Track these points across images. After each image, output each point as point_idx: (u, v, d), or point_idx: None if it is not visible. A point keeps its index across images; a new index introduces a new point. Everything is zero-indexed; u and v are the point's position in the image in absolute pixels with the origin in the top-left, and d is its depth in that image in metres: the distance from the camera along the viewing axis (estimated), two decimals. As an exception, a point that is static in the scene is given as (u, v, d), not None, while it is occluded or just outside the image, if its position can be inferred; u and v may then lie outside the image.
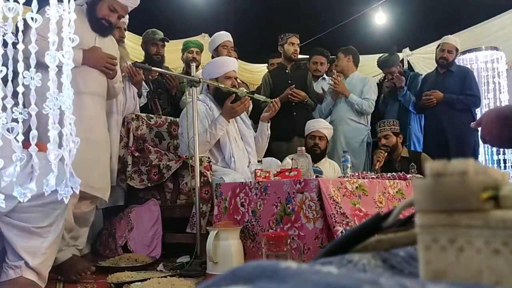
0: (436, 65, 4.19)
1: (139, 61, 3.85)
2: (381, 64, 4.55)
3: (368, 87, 4.05)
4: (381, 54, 4.67)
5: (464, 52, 4.51)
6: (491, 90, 4.59)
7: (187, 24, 6.04)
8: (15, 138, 1.25)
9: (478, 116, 4.16)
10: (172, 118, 3.44)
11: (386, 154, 3.48)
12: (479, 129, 1.27)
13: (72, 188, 1.45)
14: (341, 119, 4.01)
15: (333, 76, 4.07)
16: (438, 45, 4.15)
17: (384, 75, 4.67)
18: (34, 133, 1.30)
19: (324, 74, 4.59)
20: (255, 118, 3.69)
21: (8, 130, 1.23)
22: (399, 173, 2.67)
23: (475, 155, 4.01)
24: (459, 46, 4.14)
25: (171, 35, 4.00)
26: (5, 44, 1.24)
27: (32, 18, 1.26)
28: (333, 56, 4.63)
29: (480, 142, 4.47)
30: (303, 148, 2.88)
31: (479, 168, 0.36)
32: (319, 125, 3.59)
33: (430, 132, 4.08)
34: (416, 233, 0.38)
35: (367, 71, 6.18)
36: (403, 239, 0.46)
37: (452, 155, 3.64)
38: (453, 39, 4.12)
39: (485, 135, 1.23)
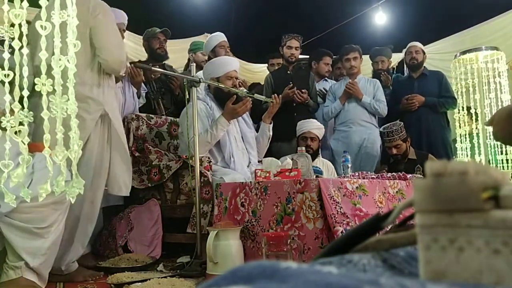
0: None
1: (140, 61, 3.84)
2: (374, 51, 4.61)
3: (380, 91, 4.09)
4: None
5: (464, 52, 4.51)
6: (492, 90, 4.58)
7: (188, 24, 6.04)
8: (21, 140, 1.26)
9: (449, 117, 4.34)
10: (172, 118, 3.44)
11: (387, 169, 3.48)
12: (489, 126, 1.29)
13: (77, 189, 1.46)
14: (354, 120, 4.01)
15: (350, 81, 4.05)
16: (405, 52, 4.34)
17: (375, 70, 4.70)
18: (47, 136, 1.31)
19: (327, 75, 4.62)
20: (254, 117, 3.69)
21: (15, 132, 1.25)
22: (399, 173, 2.67)
23: (450, 155, 4.09)
24: (425, 50, 4.34)
25: (173, 35, 4.00)
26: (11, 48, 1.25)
27: (41, 26, 1.27)
28: (335, 56, 4.64)
29: (480, 142, 4.52)
30: (303, 148, 2.88)
31: (479, 168, 0.36)
32: (311, 126, 3.58)
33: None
34: (416, 233, 0.38)
35: (367, 71, 6.17)
36: (403, 239, 0.46)
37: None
38: (417, 43, 4.30)
39: (497, 132, 1.25)
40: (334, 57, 4.62)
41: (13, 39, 1.22)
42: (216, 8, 6.36)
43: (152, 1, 5.81)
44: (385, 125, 3.66)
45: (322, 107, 4.17)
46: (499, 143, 3.68)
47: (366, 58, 5.57)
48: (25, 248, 1.83)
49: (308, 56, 4.81)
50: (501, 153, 4.54)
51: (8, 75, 1.24)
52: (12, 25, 1.23)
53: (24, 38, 1.25)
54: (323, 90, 4.31)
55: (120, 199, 3.12)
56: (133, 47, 5.31)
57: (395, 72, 5.22)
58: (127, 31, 3.74)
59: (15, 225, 1.81)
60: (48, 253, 1.89)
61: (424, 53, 4.27)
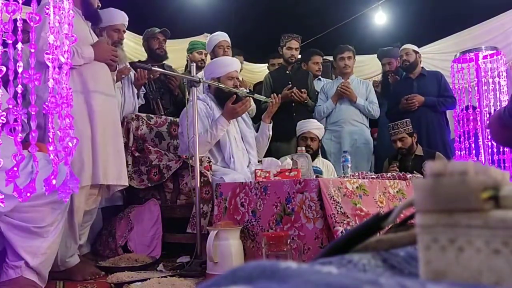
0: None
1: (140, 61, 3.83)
2: (381, 52, 4.60)
3: (373, 93, 4.11)
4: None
5: (464, 52, 4.51)
6: (491, 90, 4.58)
7: (189, 24, 6.04)
8: (15, 138, 1.25)
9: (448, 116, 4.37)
10: (172, 118, 3.44)
11: (398, 165, 3.49)
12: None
13: (71, 188, 1.45)
14: (345, 120, 4.01)
15: (343, 82, 4.06)
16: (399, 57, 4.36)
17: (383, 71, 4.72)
18: (35, 132, 1.30)
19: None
20: (254, 118, 3.69)
21: (10, 130, 1.24)
22: (399, 173, 2.68)
23: (449, 155, 4.10)
24: (418, 50, 4.33)
25: (173, 35, 4.00)
26: (4, 44, 1.24)
27: (31, 18, 1.27)
28: (327, 57, 4.64)
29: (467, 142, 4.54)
30: (303, 148, 2.88)
31: (479, 168, 0.36)
32: (311, 126, 3.59)
33: None
34: (416, 233, 0.38)
35: (367, 71, 6.17)
36: (403, 239, 0.46)
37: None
38: (409, 45, 4.29)
39: (493, 136, 1.26)
40: (325, 57, 4.64)
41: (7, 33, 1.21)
42: (216, 8, 6.36)
43: (152, 1, 5.81)
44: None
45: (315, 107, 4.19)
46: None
47: (367, 58, 5.57)
48: (24, 248, 1.83)
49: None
50: (498, 153, 4.54)
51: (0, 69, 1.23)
52: (4, 18, 1.22)
53: (20, 33, 1.25)
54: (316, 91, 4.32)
55: (120, 199, 3.12)
56: (133, 47, 5.31)
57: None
58: (127, 31, 3.74)
59: (14, 225, 1.81)
60: (48, 253, 1.89)
61: (417, 53, 4.27)
